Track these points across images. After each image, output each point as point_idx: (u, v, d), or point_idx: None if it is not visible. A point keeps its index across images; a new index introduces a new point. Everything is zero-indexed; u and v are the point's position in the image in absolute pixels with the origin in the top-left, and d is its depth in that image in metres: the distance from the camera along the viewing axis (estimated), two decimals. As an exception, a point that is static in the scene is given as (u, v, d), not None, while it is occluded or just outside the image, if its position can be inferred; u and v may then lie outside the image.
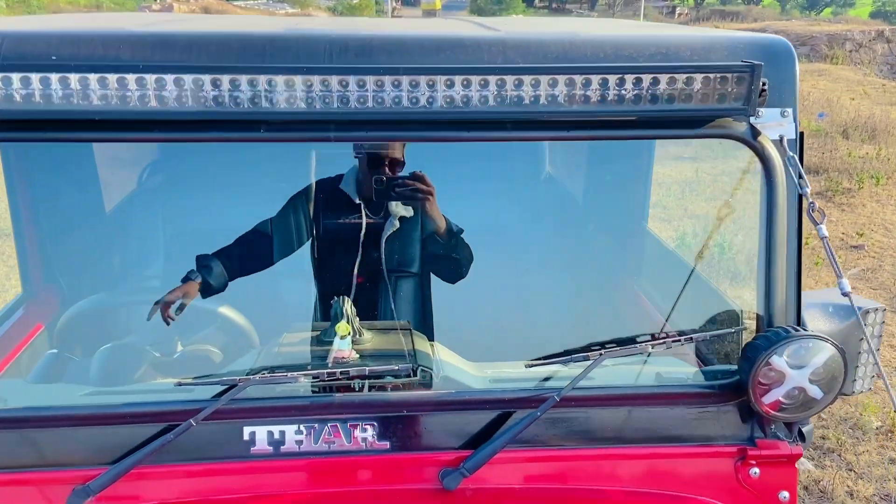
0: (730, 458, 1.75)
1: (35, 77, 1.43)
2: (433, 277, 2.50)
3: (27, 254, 2.64)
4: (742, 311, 1.95)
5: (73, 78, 1.44)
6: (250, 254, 2.37)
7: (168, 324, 2.05)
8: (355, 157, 2.36)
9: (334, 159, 2.66)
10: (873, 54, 18.21)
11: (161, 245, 2.73)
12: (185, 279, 2.18)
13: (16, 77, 1.42)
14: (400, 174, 2.29)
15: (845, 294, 1.51)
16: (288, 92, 1.49)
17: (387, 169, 2.27)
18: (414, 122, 1.56)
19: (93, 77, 1.44)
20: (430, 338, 1.97)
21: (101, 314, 2.06)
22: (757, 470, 1.75)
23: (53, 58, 1.49)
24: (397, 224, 2.41)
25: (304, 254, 2.45)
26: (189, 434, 1.61)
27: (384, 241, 2.40)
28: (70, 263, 2.62)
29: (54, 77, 1.43)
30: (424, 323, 2.50)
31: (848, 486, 3.96)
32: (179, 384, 1.66)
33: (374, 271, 2.42)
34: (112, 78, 1.44)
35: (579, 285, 2.70)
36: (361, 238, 2.39)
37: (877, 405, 4.60)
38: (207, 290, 2.22)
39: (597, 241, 2.89)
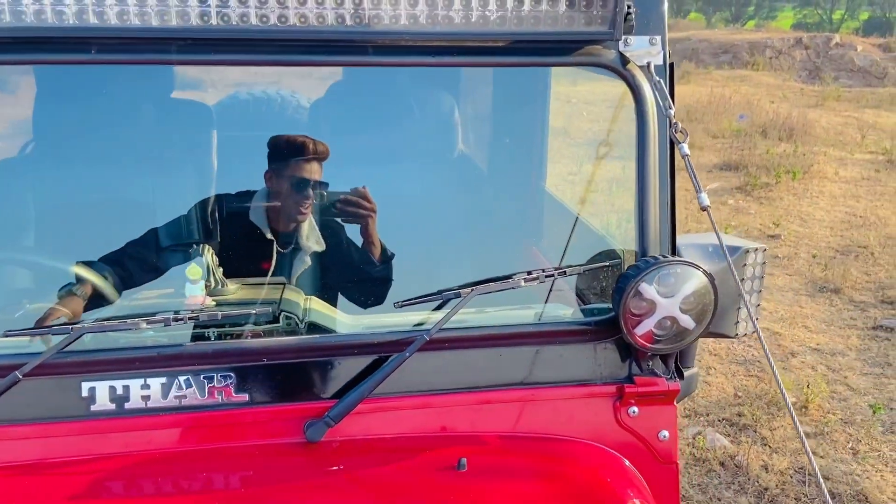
0: (608, 398, 1.70)
1: None
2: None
3: None
4: (625, 250, 1.92)
5: None
6: (140, 267, 2.09)
7: None
8: (271, 184, 2.16)
9: (239, 142, 2.52)
10: (792, 60, 18.87)
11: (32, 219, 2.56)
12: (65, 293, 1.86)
13: None
14: (340, 191, 2.13)
15: (703, 208, 1.47)
16: (119, 6, 1.38)
17: (310, 191, 2.09)
18: (259, 41, 1.47)
19: None
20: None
21: None
22: (636, 409, 1.70)
23: None
24: (308, 261, 2.20)
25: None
26: (19, 391, 1.47)
27: (295, 280, 2.16)
28: None
29: None
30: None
31: (763, 461, 3.99)
32: (7, 334, 1.51)
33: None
34: None
35: (479, 251, 2.66)
36: (269, 277, 2.15)
37: (791, 382, 4.68)
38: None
39: (498, 207, 2.85)
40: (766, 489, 3.77)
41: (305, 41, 1.50)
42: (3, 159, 2.69)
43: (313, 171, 2.09)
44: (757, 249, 1.85)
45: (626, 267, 1.67)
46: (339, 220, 2.21)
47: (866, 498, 3.71)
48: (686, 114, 12.51)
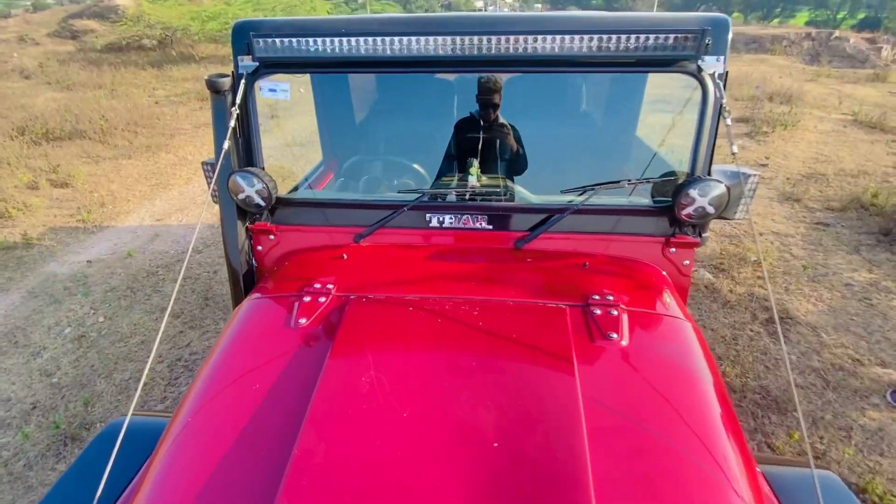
0: (662, 243, 1.83)
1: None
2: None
3: (324, 142, 2.90)
4: (681, 169, 1.93)
5: (361, 39, 1.59)
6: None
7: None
8: (478, 101, 2.34)
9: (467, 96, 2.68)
10: (801, 48, 15.14)
11: (382, 140, 2.90)
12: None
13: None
14: (494, 117, 2.26)
15: (733, 154, 1.51)
16: (453, 44, 1.57)
17: (491, 109, 2.25)
18: (521, 60, 1.61)
19: (365, 39, 1.58)
20: (513, 180, 2.08)
21: (360, 164, 2.31)
22: (674, 249, 1.82)
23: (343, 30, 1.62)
24: (495, 144, 2.35)
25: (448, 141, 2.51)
26: (404, 215, 1.85)
27: (480, 151, 2.37)
28: (341, 147, 2.85)
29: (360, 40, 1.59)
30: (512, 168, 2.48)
31: (730, 288, 3.90)
32: (399, 192, 1.90)
33: (489, 148, 2.45)
34: (380, 39, 1.57)
35: (594, 161, 2.64)
36: (481, 134, 2.44)
37: (755, 248, 4.39)
38: None
39: (603, 144, 2.80)
40: (728, 301, 3.72)
41: (522, 60, 1.61)
42: (363, 119, 2.96)
43: (495, 97, 2.18)
44: (755, 175, 1.82)
45: (681, 180, 1.74)
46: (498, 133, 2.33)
47: (788, 313, 3.58)
48: (718, 85, 10.62)
